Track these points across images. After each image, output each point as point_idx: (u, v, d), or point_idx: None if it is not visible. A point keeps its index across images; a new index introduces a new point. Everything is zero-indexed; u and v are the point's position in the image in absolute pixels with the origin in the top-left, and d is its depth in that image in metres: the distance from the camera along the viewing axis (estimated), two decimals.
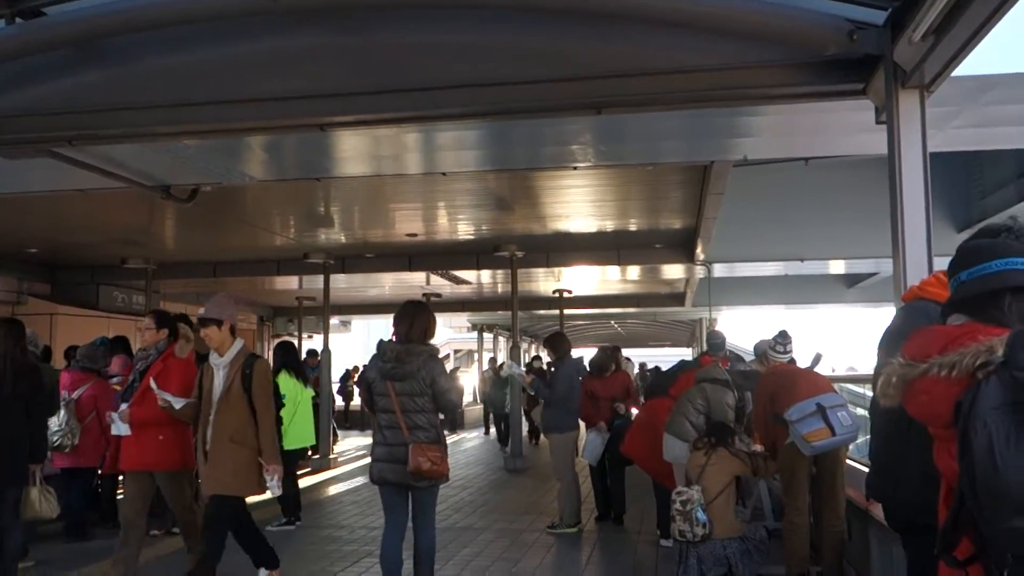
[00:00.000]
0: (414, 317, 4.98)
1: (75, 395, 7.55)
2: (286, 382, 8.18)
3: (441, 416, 5.05)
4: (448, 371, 5.73)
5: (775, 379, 5.65)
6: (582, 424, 8.22)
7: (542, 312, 22.80)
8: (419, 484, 4.83)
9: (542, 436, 12.66)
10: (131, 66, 5.05)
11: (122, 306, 16.03)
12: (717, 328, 14.00)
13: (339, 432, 17.99)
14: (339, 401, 18.61)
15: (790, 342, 6.65)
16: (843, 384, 7.44)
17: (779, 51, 4.35)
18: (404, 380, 4.85)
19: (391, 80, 4.83)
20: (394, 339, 5.04)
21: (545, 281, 17.62)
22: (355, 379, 17.61)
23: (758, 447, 5.80)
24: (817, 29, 4.15)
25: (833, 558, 5.20)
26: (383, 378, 4.89)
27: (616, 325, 32.83)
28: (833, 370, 15.62)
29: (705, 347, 10.42)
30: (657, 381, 8.20)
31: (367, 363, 5.19)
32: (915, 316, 2.54)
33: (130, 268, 14.04)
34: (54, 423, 7.12)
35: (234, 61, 4.98)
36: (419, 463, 4.69)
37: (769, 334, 6.94)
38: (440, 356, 5.32)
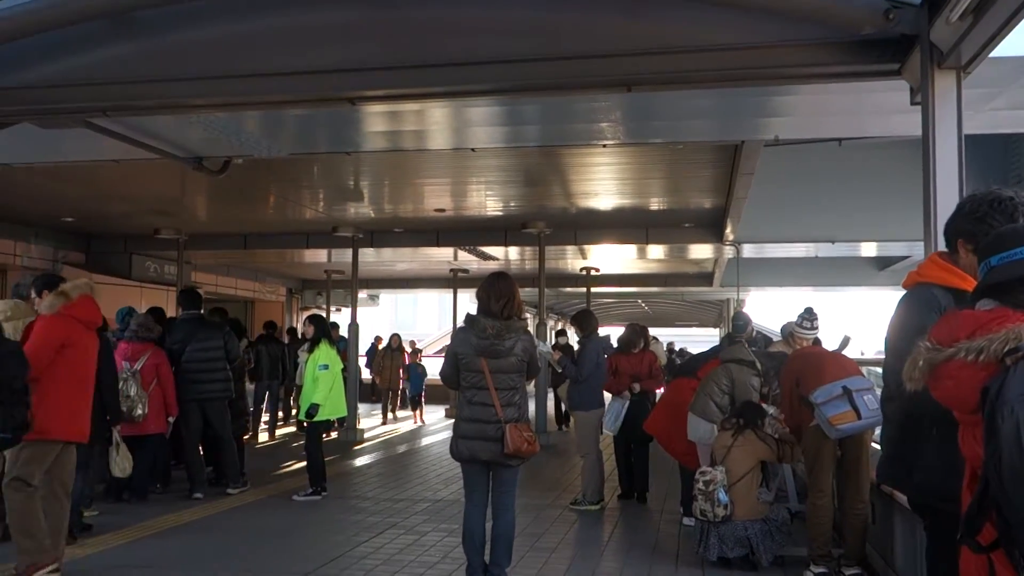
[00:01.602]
0: (511, 293, 4.87)
1: (137, 366, 7.74)
2: (328, 353, 8.22)
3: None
4: None
5: (802, 361, 5.63)
6: (608, 400, 8.24)
7: (569, 290, 22.80)
8: (511, 463, 4.82)
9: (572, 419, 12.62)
10: (166, 38, 5.10)
11: (154, 276, 16.24)
12: (743, 310, 13.92)
13: (365, 405, 18.14)
14: (367, 374, 18.69)
15: (816, 319, 6.66)
16: (871, 367, 7.37)
17: (813, 30, 4.32)
18: (501, 357, 4.79)
19: (422, 55, 4.85)
20: (481, 313, 4.88)
21: (573, 259, 17.61)
22: (380, 351, 17.70)
23: (784, 429, 5.78)
24: (853, 8, 4.11)
25: (856, 541, 5.19)
26: (477, 354, 4.79)
27: (643, 304, 32.76)
28: (862, 353, 15.50)
29: (730, 328, 10.41)
30: (687, 363, 8.18)
31: (454, 337, 5.09)
32: (919, 305, 2.51)
33: (162, 238, 14.18)
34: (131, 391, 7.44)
35: (267, 34, 5.02)
36: (519, 445, 4.67)
37: (797, 316, 6.94)
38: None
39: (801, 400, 5.23)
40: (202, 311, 8.94)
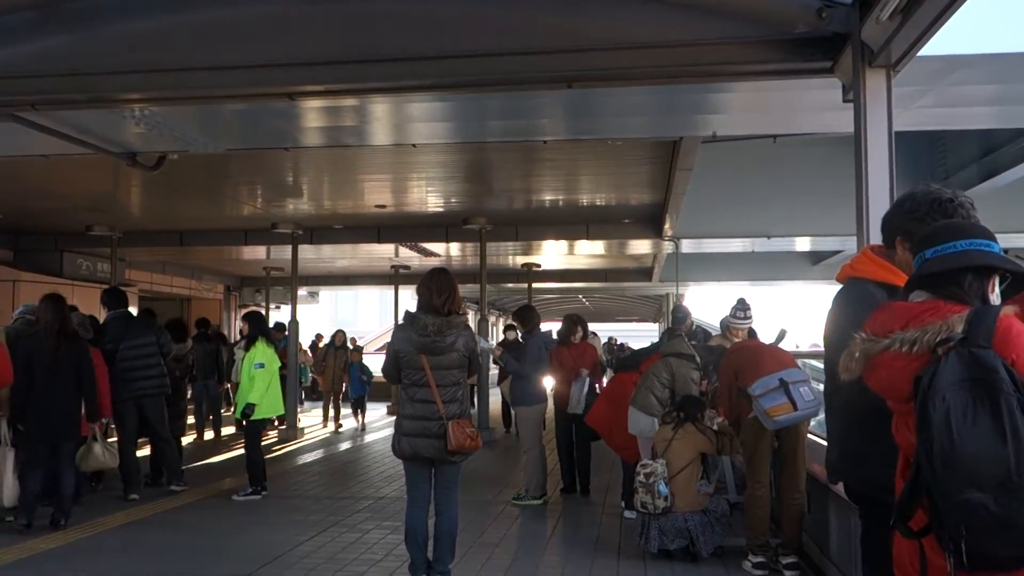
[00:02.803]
0: (451, 288, 4.87)
1: None
2: (264, 351, 8.10)
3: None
4: None
5: (740, 354, 5.74)
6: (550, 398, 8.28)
7: (511, 285, 22.87)
8: (454, 460, 4.81)
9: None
10: (98, 30, 4.98)
11: (87, 274, 15.80)
12: (683, 303, 14.10)
13: (307, 403, 17.89)
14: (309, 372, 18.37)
15: (749, 309, 6.82)
16: (807, 360, 7.55)
17: (749, 28, 4.40)
18: (442, 354, 4.77)
19: (361, 50, 4.81)
20: (422, 309, 4.88)
21: (514, 255, 17.65)
22: (323, 349, 16.99)
23: (722, 420, 5.89)
24: (787, 6, 4.19)
25: (793, 530, 5.31)
26: (418, 351, 4.77)
27: (584, 299, 33.04)
28: (797, 346, 15.83)
29: (670, 321, 10.54)
30: (629, 357, 8.26)
31: (394, 335, 5.06)
32: (854, 301, 2.54)
33: (95, 235, 13.84)
34: None
35: (203, 27, 4.93)
36: (462, 441, 4.67)
37: (730, 308, 7.09)
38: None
39: (739, 392, 5.33)
40: (129, 309, 8.73)
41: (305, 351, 18.70)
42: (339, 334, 15.99)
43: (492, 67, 4.77)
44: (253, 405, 7.92)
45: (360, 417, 14.77)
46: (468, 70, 4.81)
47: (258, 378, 7.97)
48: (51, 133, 6.54)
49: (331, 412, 15.01)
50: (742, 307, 6.77)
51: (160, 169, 8.15)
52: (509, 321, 17.05)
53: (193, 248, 15.75)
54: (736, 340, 7.01)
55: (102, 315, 8.74)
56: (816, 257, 19.13)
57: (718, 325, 7.74)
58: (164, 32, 4.94)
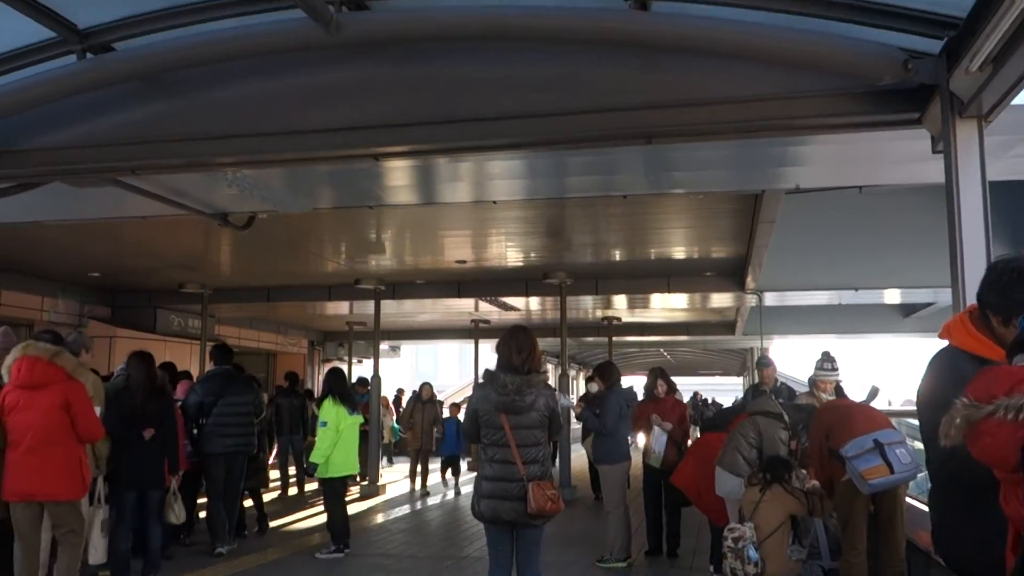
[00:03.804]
0: (531, 346, 4.83)
1: None
2: (328, 409, 8.19)
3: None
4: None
5: (831, 413, 5.56)
6: (635, 454, 8.13)
7: (591, 339, 22.74)
8: (535, 523, 4.72)
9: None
10: (193, 98, 5.21)
11: (178, 329, 16.34)
12: (767, 354, 13.80)
13: (394, 459, 17.87)
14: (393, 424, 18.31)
15: (835, 360, 6.66)
16: (902, 419, 7.28)
17: (833, 80, 4.33)
18: (522, 413, 4.70)
19: (443, 110, 4.90)
20: (501, 368, 4.84)
21: (594, 308, 17.58)
22: (410, 403, 15.47)
23: (813, 483, 5.69)
24: (871, 59, 4.12)
25: None
26: (498, 411, 4.71)
27: (666, 353, 32.59)
28: (890, 403, 15.31)
29: (755, 376, 10.32)
30: (717, 416, 8.09)
31: (473, 393, 5.03)
32: (945, 370, 2.43)
33: (187, 292, 14.34)
34: None
35: (291, 92, 5.10)
36: (542, 504, 4.57)
37: (816, 361, 6.94)
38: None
39: (831, 454, 5.16)
40: (231, 365, 8.99)
41: (389, 407, 18.79)
42: (426, 388, 14.77)
43: (571, 125, 4.80)
44: (314, 465, 7.98)
45: (455, 477, 13.79)
46: (548, 129, 4.85)
47: (321, 437, 8.05)
48: (149, 196, 6.83)
49: (418, 469, 14.07)
50: (828, 359, 6.61)
51: (250, 228, 8.41)
52: (588, 374, 16.44)
53: (279, 304, 16.14)
54: (824, 394, 6.84)
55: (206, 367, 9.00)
56: (907, 309, 18.53)
57: (805, 381, 7.55)
58: (256, 98, 5.14)
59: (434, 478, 14.16)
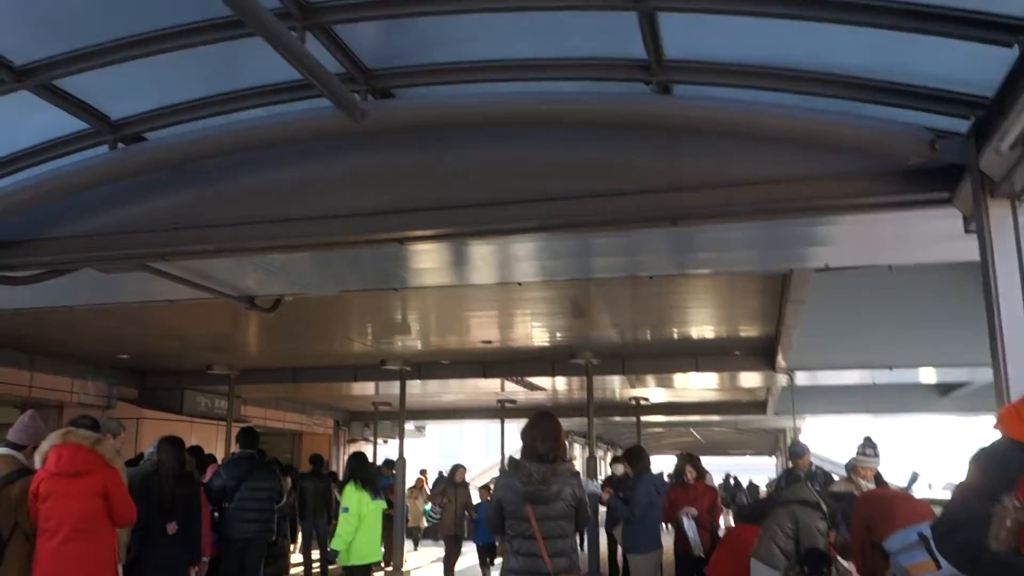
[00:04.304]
0: (556, 434, 4.72)
1: None
2: (350, 495, 8.03)
3: None
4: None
5: (872, 504, 5.36)
6: (665, 542, 7.90)
7: (619, 419, 22.46)
8: None
9: None
10: (221, 185, 5.28)
11: (205, 410, 16.36)
12: (800, 438, 13.52)
13: (419, 543, 17.52)
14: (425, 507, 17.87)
15: (877, 447, 6.47)
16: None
17: (859, 161, 4.31)
18: (548, 503, 4.57)
19: (468, 195, 4.92)
20: (526, 456, 4.72)
21: (622, 388, 17.39)
22: (441, 486, 14.60)
23: (853, 573, 5.47)
24: (897, 139, 4.09)
25: None
26: (523, 501, 4.59)
27: (695, 432, 32.09)
28: (930, 486, 14.92)
29: (787, 459, 10.08)
30: (753, 508, 7.86)
31: (497, 483, 4.93)
32: (992, 461, 2.32)
33: (214, 374, 14.38)
34: None
35: (316, 178, 5.16)
36: None
37: (856, 446, 6.74)
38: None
39: (874, 547, 4.96)
40: (256, 450, 8.95)
41: (424, 488, 18.49)
42: (460, 470, 13.81)
43: (596, 208, 4.79)
44: (335, 552, 7.84)
45: (490, 566, 12.77)
46: (572, 212, 4.85)
47: (342, 522, 7.89)
48: (177, 280, 6.89)
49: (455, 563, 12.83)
50: (869, 445, 6.43)
51: (276, 311, 8.44)
52: (615, 454, 15.65)
53: (305, 384, 16.13)
54: (863, 481, 6.64)
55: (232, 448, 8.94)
56: (944, 388, 18.14)
57: (840, 463, 7.36)
58: (282, 184, 5.20)
59: (463, 561, 13.47)
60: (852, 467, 6.61)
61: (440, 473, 24.35)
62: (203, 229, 5.38)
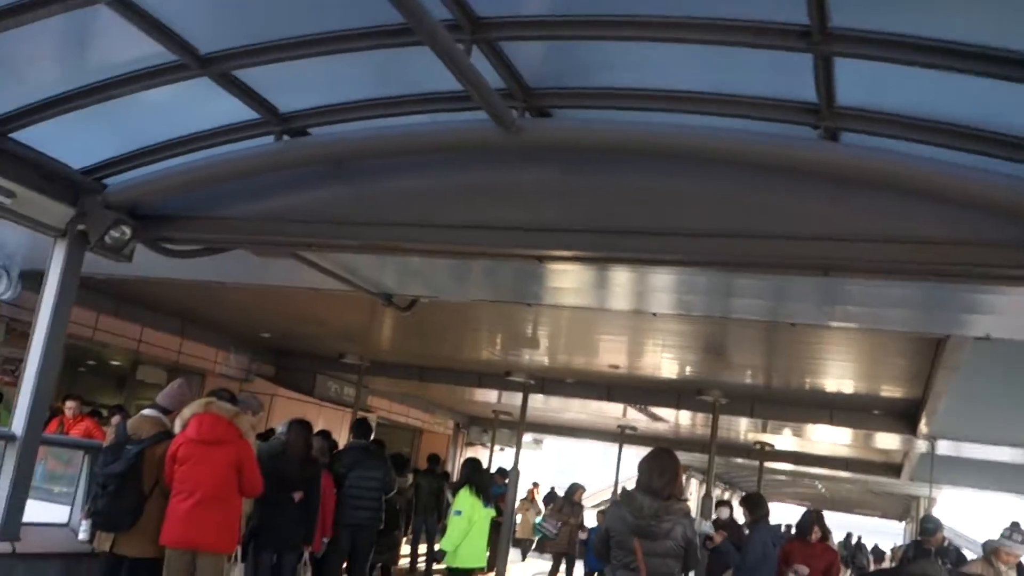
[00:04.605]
0: (675, 471, 4.66)
1: None
2: (464, 499, 8.09)
3: None
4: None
5: None
6: None
7: (740, 461, 21.80)
8: None
9: None
10: (373, 184, 5.42)
11: (334, 396, 16.88)
12: (934, 511, 12.77)
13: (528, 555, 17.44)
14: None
15: None
16: None
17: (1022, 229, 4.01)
18: (657, 539, 4.51)
19: (611, 221, 4.88)
20: (640, 489, 4.67)
21: (747, 430, 16.86)
22: (559, 503, 14.59)
23: None
24: None
25: None
26: (631, 533, 4.55)
27: (820, 485, 30.79)
28: None
29: (918, 531, 9.52)
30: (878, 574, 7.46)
31: (607, 513, 4.92)
32: None
33: (346, 362, 14.81)
34: None
35: (465, 188, 5.23)
36: None
37: (999, 525, 6.29)
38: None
39: None
40: (369, 440, 9.17)
41: (536, 501, 18.48)
42: (579, 490, 13.73)
43: (741, 248, 4.65)
44: (443, 552, 7.89)
45: None
46: (717, 249, 4.73)
47: (453, 524, 7.93)
48: (323, 271, 7.12)
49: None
50: (1018, 530, 5.98)
51: (411, 310, 8.61)
52: (723, 497, 14.69)
53: (430, 384, 16.40)
54: (1004, 566, 6.19)
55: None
56: None
57: (974, 539, 6.89)
58: (431, 190, 5.30)
59: None
60: (994, 550, 6.17)
61: (552, 488, 24.33)
62: (352, 226, 5.55)
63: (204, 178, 5.56)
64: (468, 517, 7.97)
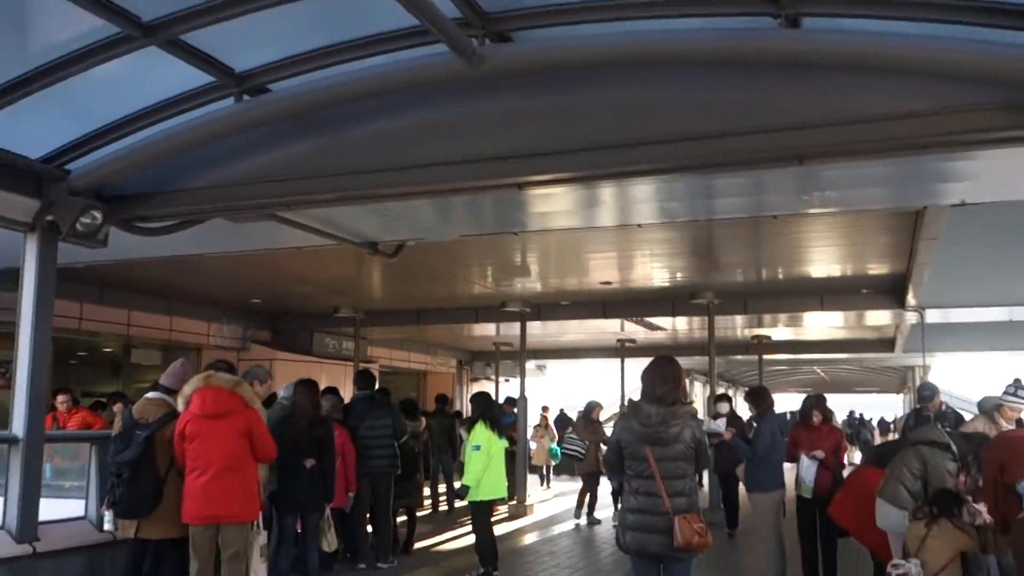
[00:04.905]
0: (676, 377, 4.76)
1: None
2: (482, 433, 8.24)
3: None
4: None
5: (1006, 445, 5.16)
6: (788, 482, 7.79)
7: (739, 357, 22.13)
8: (681, 557, 4.62)
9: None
10: (342, 134, 5.40)
11: (333, 352, 16.99)
12: (929, 378, 13.04)
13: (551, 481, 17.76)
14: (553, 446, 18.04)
15: None
16: None
17: (999, 92, 4.04)
18: (667, 445, 4.62)
19: (586, 138, 4.88)
20: (645, 398, 4.76)
21: (743, 327, 17.09)
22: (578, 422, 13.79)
23: (986, 517, 5.27)
24: None
25: None
26: (642, 442, 4.65)
27: (819, 370, 31.33)
28: None
29: (916, 400, 9.75)
30: (881, 451, 7.64)
31: (616, 424, 5.00)
32: None
33: (341, 316, 14.89)
34: None
35: (435, 125, 5.21)
36: (689, 538, 4.46)
37: (992, 384, 6.47)
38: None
39: (1007, 489, 4.77)
40: (373, 390, 9.28)
41: (551, 426, 18.75)
42: (596, 408, 13.24)
43: (719, 148, 4.67)
44: (466, 488, 8.05)
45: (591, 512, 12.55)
46: (695, 153, 4.74)
47: (473, 460, 8.07)
48: (303, 228, 7.11)
49: (587, 499, 12.58)
50: (1020, 386, 6.15)
51: (398, 256, 8.63)
52: (720, 391, 14.15)
53: (428, 326, 16.51)
54: (1004, 422, 6.37)
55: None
56: None
57: (971, 400, 7.09)
58: (400, 132, 5.28)
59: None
60: (997, 406, 6.35)
61: (561, 411, 24.67)
62: (326, 178, 5.53)
63: (168, 150, 5.51)
64: (487, 451, 8.13)
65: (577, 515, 12.68)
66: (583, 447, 12.44)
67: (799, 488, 7.53)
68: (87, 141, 5.60)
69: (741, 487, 10.76)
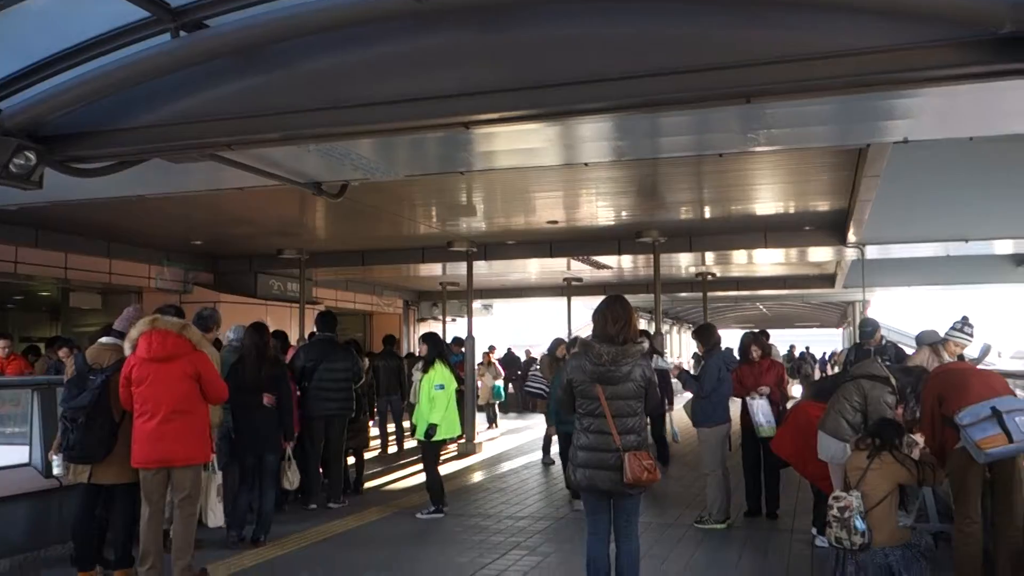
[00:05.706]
0: (628, 316, 4.76)
1: None
2: (442, 373, 8.26)
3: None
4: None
5: (944, 378, 5.32)
6: (734, 416, 7.98)
7: (684, 295, 22.44)
8: (631, 492, 4.72)
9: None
10: (283, 72, 5.22)
11: (278, 293, 16.80)
12: (869, 313, 13.36)
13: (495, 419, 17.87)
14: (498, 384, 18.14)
15: (974, 327, 6.42)
16: (1020, 381, 6.97)
17: (947, 30, 4.05)
18: (618, 383, 4.67)
19: (533, 76, 4.80)
20: (596, 337, 4.79)
21: (688, 264, 17.30)
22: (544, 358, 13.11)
23: (923, 448, 5.46)
24: (990, 5, 3.84)
25: (1009, 571, 4.86)
26: (593, 381, 4.70)
27: (762, 306, 31.97)
28: (999, 355, 14.68)
29: (857, 336, 10.01)
30: (823, 386, 7.85)
31: (567, 363, 5.03)
32: None
33: (285, 258, 14.73)
34: None
35: (380, 63, 5.07)
36: (639, 474, 4.54)
37: (929, 318, 6.66)
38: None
39: (944, 420, 4.94)
40: (334, 333, 9.20)
41: (494, 364, 18.80)
42: (561, 345, 11.88)
43: (666, 86, 4.62)
44: (435, 426, 8.08)
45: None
46: (642, 90, 4.69)
47: (438, 399, 8.14)
48: (245, 168, 6.96)
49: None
50: (968, 324, 6.39)
51: (343, 196, 8.51)
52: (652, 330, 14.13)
53: (374, 267, 16.40)
54: (948, 357, 6.59)
55: (306, 329, 9.22)
56: (1020, 259, 17.65)
57: (910, 334, 7.32)
58: (344, 69, 5.12)
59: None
60: (943, 341, 6.53)
61: (508, 350, 24.79)
62: (268, 117, 5.36)
63: (104, 88, 5.28)
64: (448, 391, 8.20)
65: (545, 459, 12.34)
66: (547, 385, 12.41)
67: (759, 432, 7.71)
68: (19, 78, 5.36)
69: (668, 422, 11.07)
